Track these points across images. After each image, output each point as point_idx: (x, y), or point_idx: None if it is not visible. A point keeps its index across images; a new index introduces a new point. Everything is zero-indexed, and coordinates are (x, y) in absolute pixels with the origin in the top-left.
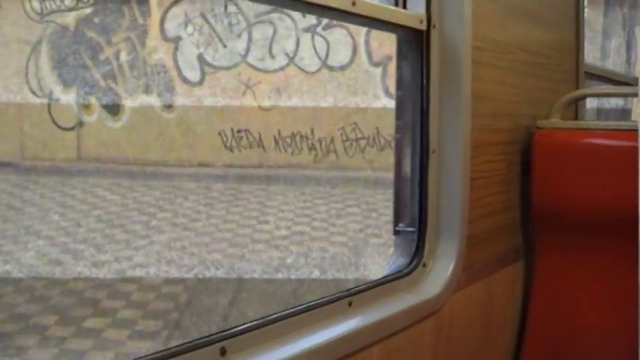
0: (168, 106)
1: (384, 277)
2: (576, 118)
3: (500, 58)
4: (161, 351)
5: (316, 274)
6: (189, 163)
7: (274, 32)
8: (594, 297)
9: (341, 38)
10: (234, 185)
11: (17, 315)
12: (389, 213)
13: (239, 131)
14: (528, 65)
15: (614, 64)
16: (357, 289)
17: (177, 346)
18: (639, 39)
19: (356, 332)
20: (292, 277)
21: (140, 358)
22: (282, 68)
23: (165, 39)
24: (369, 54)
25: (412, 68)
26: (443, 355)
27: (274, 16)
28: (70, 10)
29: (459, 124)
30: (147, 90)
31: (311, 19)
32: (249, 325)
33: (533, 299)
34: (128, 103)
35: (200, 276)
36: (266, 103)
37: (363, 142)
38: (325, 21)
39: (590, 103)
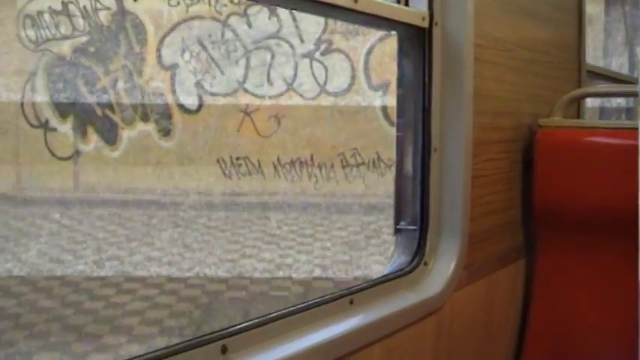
0: (166, 134)
1: (385, 275)
2: (578, 117)
3: (502, 56)
4: (163, 349)
5: None
6: (188, 192)
7: (272, 58)
8: (595, 295)
9: (339, 63)
10: (234, 214)
11: None
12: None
13: (238, 158)
14: (530, 63)
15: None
16: (358, 287)
17: (178, 343)
18: None
19: (357, 330)
20: None
21: (142, 355)
22: (280, 94)
23: (162, 66)
24: (369, 78)
25: (414, 66)
26: (444, 353)
27: (272, 42)
28: (66, 38)
29: (461, 123)
30: (144, 118)
31: (309, 45)
32: (250, 323)
33: (535, 298)
34: (125, 131)
35: None
36: (265, 129)
37: (363, 168)
38: (323, 46)
39: (593, 102)
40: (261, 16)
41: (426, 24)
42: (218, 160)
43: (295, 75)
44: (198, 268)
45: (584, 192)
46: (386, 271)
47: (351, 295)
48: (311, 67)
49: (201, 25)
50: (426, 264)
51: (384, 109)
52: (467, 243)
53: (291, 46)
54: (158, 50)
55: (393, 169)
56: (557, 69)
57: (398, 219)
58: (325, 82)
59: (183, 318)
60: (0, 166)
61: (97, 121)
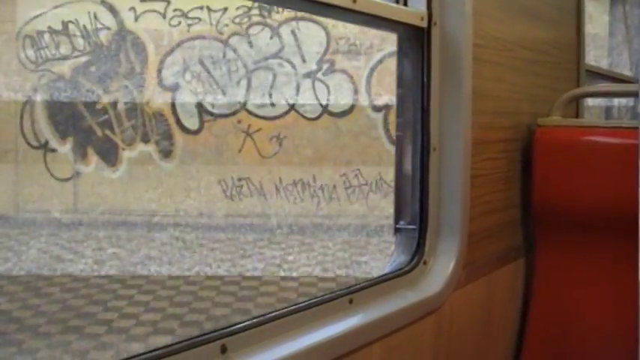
0: (167, 155)
1: (385, 274)
2: (577, 116)
3: (501, 56)
4: (162, 348)
5: None
6: (189, 213)
7: (274, 78)
8: (595, 295)
9: (342, 83)
10: (235, 235)
11: None
12: None
13: (239, 179)
14: (529, 63)
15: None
16: (357, 286)
17: (177, 342)
18: None
19: (357, 330)
20: None
21: (141, 354)
22: (282, 115)
23: (163, 87)
24: (371, 99)
25: (413, 66)
26: (443, 352)
27: (273, 62)
28: (66, 58)
29: (460, 122)
30: (145, 139)
31: (311, 65)
32: (249, 322)
33: (534, 297)
34: (126, 152)
35: None
36: (266, 150)
37: (365, 189)
38: (326, 66)
39: (594, 101)
40: (262, 35)
41: (424, 24)
42: (219, 181)
43: (297, 95)
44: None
45: (583, 191)
46: (385, 271)
47: (350, 294)
48: (313, 88)
49: (203, 45)
50: (425, 263)
51: (387, 130)
52: (466, 242)
53: (293, 67)
54: (159, 70)
55: None
56: (556, 69)
57: (397, 218)
58: (327, 103)
59: None
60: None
61: (97, 141)
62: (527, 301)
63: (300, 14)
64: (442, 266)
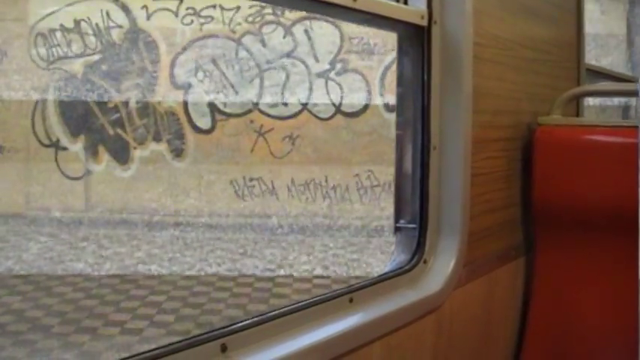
0: (179, 154)
1: (385, 273)
2: (577, 115)
3: (501, 55)
4: (162, 347)
5: None
6: (200, 213)
7: (287, 78)
8: (595, 294)
9: (355, 83)
10: (247, 235)
11: None
12: None
13: (251, 179)
14: (529, 61)
15: None
16: (358, 285)
17: (177, 342)
18: None
19: (357, 329)
20: None
21: (141, 353)
22: (295, 115)
23: (175, 85)
24: (385, 99)
25: (413, 65)
26: (443, 351)
27: (286, 61)
28: (78, 56)
29: (460, 121)
30: (156, 138)
31: (324, 64)
32: (249, 321)
33: (534, 296)
34: (137, 151)
35: None
36: (278, 150)
37: (378, 190)
38: (339, 65)
39: (612, 101)
40: (275, 34)
41: (424, 22)
42: (231, 181)
43: (310, 95)
44: None
45: (583, 190)
46: (386, 269)
47: (350, 293)
48: (326, 87)
49: (215, 44)
50: (425, 262)
51: None
52: (466, 241)
53: (306, 66)
54: (171, 69)
55: None
56: (556, 67)
57: (397, 217)
58: (340, 103)
59: None
60: (10, 186)
61: (109, 140)
62: (528, 300)
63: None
64: (442, 265)
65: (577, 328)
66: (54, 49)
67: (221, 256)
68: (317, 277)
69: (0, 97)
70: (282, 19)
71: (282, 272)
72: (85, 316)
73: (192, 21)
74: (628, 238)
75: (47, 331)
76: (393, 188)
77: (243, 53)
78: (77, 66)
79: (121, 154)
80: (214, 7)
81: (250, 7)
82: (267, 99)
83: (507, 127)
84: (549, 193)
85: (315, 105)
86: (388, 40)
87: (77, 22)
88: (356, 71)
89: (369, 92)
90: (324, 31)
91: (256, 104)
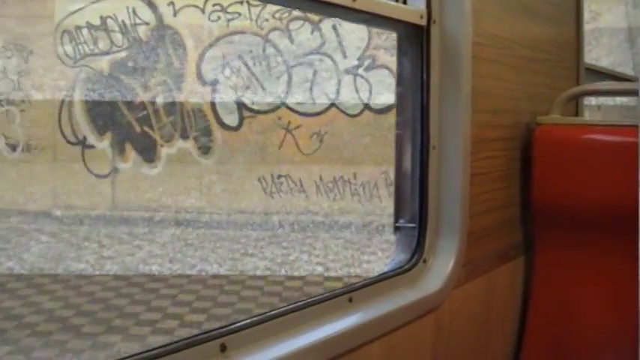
0: (206, 152)
1: (385, 273)
2: (577, 115)
3: (500, 54)
4: (161, 347)
5: None
6: (228, 211)
7: (314, 74)
8: (594, 293)
9: (384, 79)
10: (275, 233)
11: None
12: None
13: (279, 176)
14: (528, 61)
15: None
16: (357, 285)
17: (177, 341)
18: None
19: (356, 328)
20: None
21: (140, 353)
22: (323, 111)
23: (203, 82)
24: None
25: (412, 64)
26: (443, 351)
27: (314, 57)
28: (104, 54)
29: (459, 120)
30: (183, 135)
31: (352, 60)
32: (249, 321)
33: (534, 295)
34: (164, 148)
35: None
36: (306, 147)
37: None
38: (367, 62)
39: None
40: (303, 31)
41: (424, 22)
42: (259, 178)
43: (338, 91)
44: None
45: (582, 190)
46: (385, 269)
47: (350, 292)
48: (354, 84)
49: (242, 41)
50: (424, 262)
51: None
52: (465, 241)
53: (334, 62)
54: (198, 66)
55: None
56: (555, 67)
57: (397, 217)
58: (369, 99)
59: None
60: (37, 184)
61: (136, 138)
62: (527, 300)
63: None
64: (442, 265)
65: (576, 328)
66: (80, 47)
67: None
68: None
69: (26, 96)
70: (309, 15)
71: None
72: None
73: (219, 17)
74: (627, 238)
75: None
76: None
77: (270, 50)
78: (104, 63)
79: (148, 152)
80: (241, 3)
81: None
82: (295, 96)
83: (506, 126)
84: (548, 193)
85: (344, 101)
86: None
87: (103, 20)
88: (384, 67)
89: None
90: (352, 27)
91: (284, 101)
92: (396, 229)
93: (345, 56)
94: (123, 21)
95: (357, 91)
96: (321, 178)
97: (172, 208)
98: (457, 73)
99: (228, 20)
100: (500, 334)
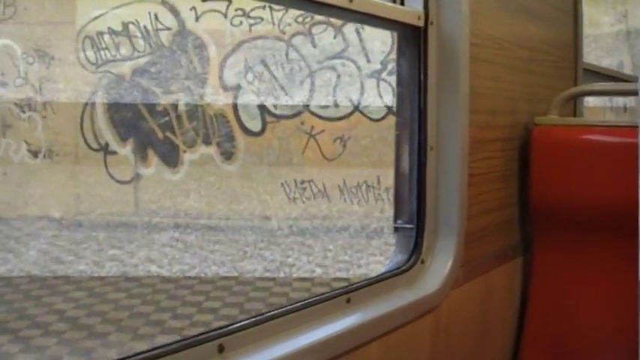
0: (229, 157)
1: (383, 273)
2: (575, 115)
3: (497, 55)
4: (159, 347)
5: None
6: (251, 216)
7: (337, 78)
8: (593, 294)
9: None
10: (300, 239)
11: None
12: None
13: (302, 182)
14: (526, 62)
15: None
16: (355, 285)
17: (174, 342)
18: None
19: (354, 329)
20: None
21: (138, 353)
22: (346, 116)
23: (225, 88)
24: None
25: (410, 65)
26: (441, 351)
27: (337, 62)
28: (126, 59)
29: (457, 121)
30: (206, 141)
31: (375, 65)
32: (246, 322)
33: (532, 296)
34: (187, 154)
35: None
36: (330, 151)
37: None
38: (390, 66)
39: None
40: (325, 35)
41: (421, 23)
42: (282, 184)
43: (361, 96)
44: None
45: (580, 190)
46: (383, 270)
47: (348, 293)
48: (378, 88)
49: (265, 45)
50: (423, 262)
51: None
52: (464, 241)
53: (357, 66)
54: (220, 71)
55: None
56: (553, 67)
57: (396, 217)
58: (392, 103)
59: None
60: (59, 190)
61: (158, 143)
62: (525, 300)
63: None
64: (440, 265)
65: (575, 328)
66: (102, 53)
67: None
68: None
69: (48, 102)
70: (332, 19)
71: None
72: None
73: (241, 22)
74: (626, 238)
75: None
76: None
77: (293, 54)
78: (125, 69)
79: (171, 158)
80: (264, 7)
81: None
82: (318, 100)
83: (504, 127)
84: (546, 193)
85: (367, 106)
86: None
87: (125, 25)
88: None
89: None
90: (375, 31)
91: (307, 106)
92: (395, 229)
93: (368, 60)
94: (145, 26)
95: (380, 95)
96: (345, 183)
97: (195, 213)
98: (455, 73)
99: (251, 25)
100: (498, 335)
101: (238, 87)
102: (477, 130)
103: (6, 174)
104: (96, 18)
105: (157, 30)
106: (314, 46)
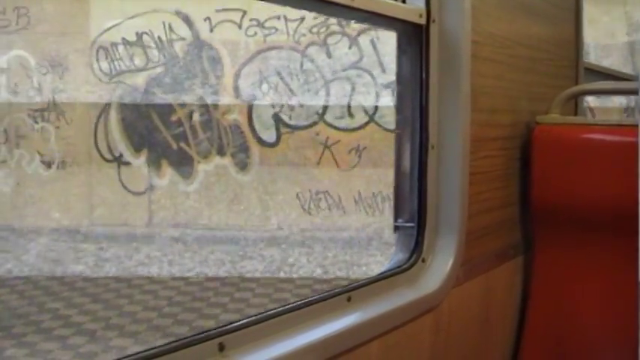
0: (243, 168)
1: (383, 272)
2: (576, 114)
3: (499, 53)
4: (159, 346)
5: None
6: (266, 227)
7: (352, 89)
8: (593, 293)
9: None
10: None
11: None
12: None
13: (317, 193)
14: (527, 60)
15: None
16: (356, 284)
17: (175, 341)
18: None
19: (355, 328)
20: None
21: (138, 353)
22: (361, 126)
23: (240, 98)
24: None
25: (411, 63)
26: (442, 350)
27: (352, 72)
28: (140, 70)
29: (459, 119)
30: (220, 152)
31: (391, 75)
32: (247, 320)
33: (532, 295)
34: (201, 165)
35: None
36: (345, 162)
37: None
38: None
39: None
40: (340, 45)
41: (423, 21)
42: (297, 195)
43: (377, 106)
44: None
45: (581, 189)
46: (384, 268)
47: (348, 292)
48: (393, 98)
49: (280, 56)
50: (423, 261)
51: None
52: (464, 240)
53: (372, 77)
54: (235, 81)
55: None
56: (554, 66)
57: (396, 216)
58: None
59: None
60: (73, 201)
61: (172, 154)
62: (526, 299)
63: None
64: (440, 264)
65: (575, 327)
66: (116, 63)
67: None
68: None
69: (61, 112)
70: (347, 30)
71: None
72: None
73: (255, 33)
74: (627, 237)
75: None
76: None
77: (308, 64)
78: (140, 79)
79: (185, 168)
80: (278, 18)
81: (315, 17)
82: (333, 111)
83: (505, 125)
84: (548, 192)
85: (382, 116)
86: None
87: (139, 36)
88: None
89: None
90: (391, 41)
91: (322, 116)
92: (395, 228)
93: (383, 71)
94: (159, 37)
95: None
96: (360, 194)
97: (209, 225)
98: (456, 72)
99: (265, 35)
100: (499, 334)
101: (253, 97)
102: (478, 128)
103: (19, 184)
104: (110, 28)
105: (172, 40)
106: (329, 56)
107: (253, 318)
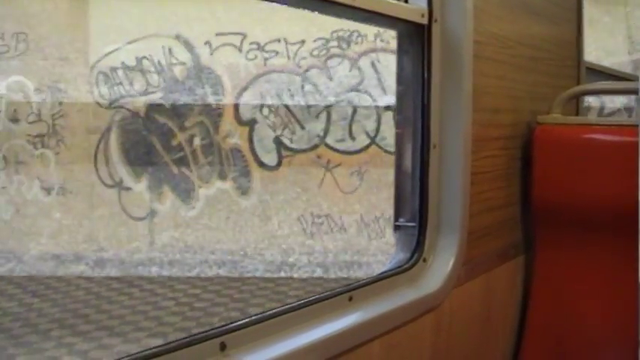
0: (245, 192)
1: (385, 272)
2: (577, 114)
3: (501, 53)
4: (161, 345)
5: None
6: (268, 252)
7: (354, 112)
8: (594, 292)
9: None
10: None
11: None
12: None
13: (319, 216)
14: (529, 60)
15: None
16: (357, 284)
17: (177, 340)
18: None
19: (356, 327)
20: None
21: (140, 352)
22: (363, 149)
23: (240, 122)
24: None
25: (413, 63)
26: (443, 350)
27: (353, 94)
28: (140, 94)
29: (460, 119)
30: (222, 176)
31: (392, 97)
32: (248, 320)
33: (533, 294)
34: (202, 189)
35: None
36: (347, 185)
37: None
38: None
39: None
40: (341, 68)
41: (425, 21)
42: (299, 218)
43: (378, 129)
44: None
45: (582, 189)
46: (385, 268)
47: (350, 292)
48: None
49: (280, 79)
50: (425, 261)
51: None
52: (466, 240)
53: (373, 99)
54: (235, 105)
55: None
56: (556, 66)
57: (397, 215)
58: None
59: None
60: (73, 226)
61: (173, 179)
62: (527, 299)
63: (379, 46)
64: (442, 264)
65: (576, 327)
66: (115, 88)
67: None
68: None
69: (61, 138)
70: (348, 52)
71: None
72: None
73: (256, 56)
74: (627, 237)
75: None
76: None
77: (308, 87)
78: (139, 104)
79: (186, 193)
80: (279, 41)
81: (315, 40)
82: (334, 133)
83: (507, 125)
84: (549, 192)
85: (384, 138)
86: None
87: (139, 60)
88: None
89: None
90: (392, 63)
91: (323, 139)
92: (396, 227)
93: (384, 92)
94: (159, 61)
95: None
96: (362, 218)
97: (211, 249)
98: (458, 71)
99: (265, 59)
100: (500, 333)
101: (254, 121)
102: (480, 128)
103: (19, 212)
104: (109, 53)
105: (171, 64)
106: (329, 79)
107: (255, 317)
